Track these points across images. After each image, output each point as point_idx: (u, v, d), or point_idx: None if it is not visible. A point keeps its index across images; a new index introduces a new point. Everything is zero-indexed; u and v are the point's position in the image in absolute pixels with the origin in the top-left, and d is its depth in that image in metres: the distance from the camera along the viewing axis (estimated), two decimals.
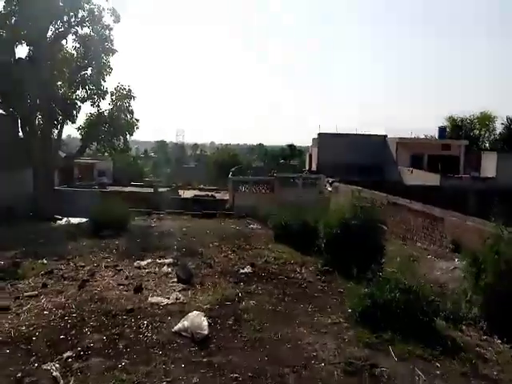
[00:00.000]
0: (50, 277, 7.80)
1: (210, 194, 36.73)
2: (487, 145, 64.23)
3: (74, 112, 23.09)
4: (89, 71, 25.46)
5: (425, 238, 14.64)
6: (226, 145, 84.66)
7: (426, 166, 39.55)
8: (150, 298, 6.51)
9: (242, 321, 5.84)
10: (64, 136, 31.73)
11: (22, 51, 51.52)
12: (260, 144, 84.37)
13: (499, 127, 62.45)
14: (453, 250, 12.95)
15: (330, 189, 32.82)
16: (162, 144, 61.64)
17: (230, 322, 5.76)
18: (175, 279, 7.58)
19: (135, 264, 8.49)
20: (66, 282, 7.47)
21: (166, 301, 6.40)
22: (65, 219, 23.30)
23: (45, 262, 8.78)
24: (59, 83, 25.03)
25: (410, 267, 10.25)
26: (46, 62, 23.06)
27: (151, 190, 29.21)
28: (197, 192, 37.62)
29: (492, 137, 65.46)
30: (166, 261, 8.68)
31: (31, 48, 22.18)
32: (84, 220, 23.84)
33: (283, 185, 33.85)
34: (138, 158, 55.57)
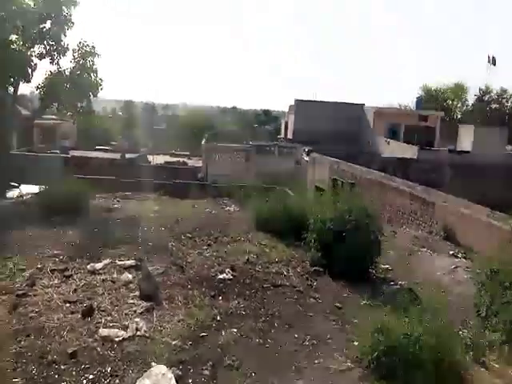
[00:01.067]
0: None
1: (181, 160, 34.80)
2: (459, 115, 64.04)
3: (30, 70, 20.45)
4: (47, 24, 22.64)
5: (412, 222, 13.50)
6: (199, 107, 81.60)
7: (402, 136, 38.64)
8: (101, 330, 4.96)
9: (223, 368, 4.40)
10: (28, 92, 28.73)
11: None
12: (234, 107, 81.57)
13: (471, 98, 62.05)
14: (444, 237, 11.86)
15: (306, 159, 31.50)
16: (129, 104, 58.06)
17: (207, 373, 4.31)
18: (137, 293, 6.03)
19: (89, 267, 6.85)
20: None
21: (122, 334, 4.87)
22: (21, 188, 21.15)
23: None
24: (13, 37, 22.18)
25: (408, 268, 9.10)
26: None
27: (118, 156, 27.09)
28: (168, 158, 35.59)
29: (464, 108, 65.22)
30: (127, 262, 7.07)
31: None
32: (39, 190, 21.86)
33: (259, 153, 32.27)
34: (106, 119, 52.32)
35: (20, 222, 9.50)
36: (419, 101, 41.16)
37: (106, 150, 31.48)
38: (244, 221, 10.89)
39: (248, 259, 7.82)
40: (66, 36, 23.95)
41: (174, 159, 35.07)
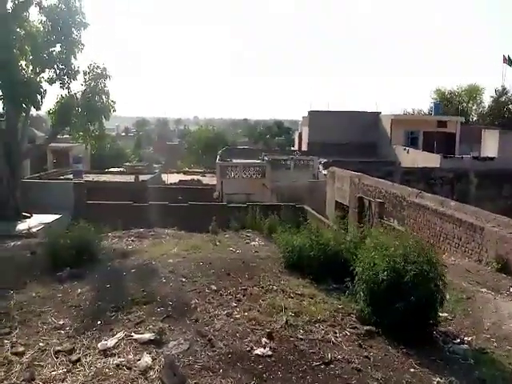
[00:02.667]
0: None
1: (196, 178, 33.72)
2: (475, 118, 62.23)
3: (40, 97, 19.57)
4: (57, 48, 21.81)
5: (457, 250, 12.05)
6: (210, 120, 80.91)
7: (421, 144, 37.15)
8: None
9: None
10: (42, 113, 27.98)
11: None
12: (245, 119, 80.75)
13: (486, 100, 60.17)
14: (498, 269, 10.38)
15: (324, 172, 30.16)
16: (142, 121, 57.29)
17: None
18: None
19: (100, 346, 5.61)
20: None
21: None
22: (31, 219, 20.23)
23: None
24: (23, 63, 21.39)
25: (471, 317, 7.70)
26: (7, 38, 19.44)
27: (132, 179, 26.06)
28: (182, 176, 34.52)
29: (480, 110, 63.32)
30: (145, 336, 5.81)
31: None
32: (53, 218, 20.87)
33: (275, 168, 31.06)
34: (118, 138, 51.63)
35: (24, 274, 8.35)
36: (437, 106, 39.55)
37: (119, 173, 30.52)
38: (272, 260, 9.61)
39: (287, 321, 6.51)
40: (76, 59, 23.09)
41: (188, 177, 34.03)
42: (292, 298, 7.56)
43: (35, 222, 20.20)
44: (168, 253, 9.28)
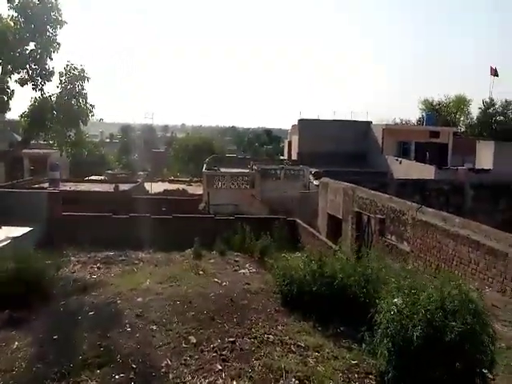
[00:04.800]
0: None
1: (181, 188, 31.82)
2: (463, 129, 61.80)
3: (6, 98, 17.57)
4: (30, 46, 19.85)
5: (473, 277, 10.46)
6: (197, 127, 79.08)
7: (413, 154, 35.96)
8: None
9: None
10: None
11: None
12: (233, 126, 79.14)
13: (474, 112, 59.85)
14: None
15: (315, 183, 28.66)
16: (127, 127, 55.09)
17: None
18: None
19: None
20: None
21: None
22: (0, 231, 18.22)
23: None
24: None
25: None
26: None
27: (111, 189, 24.09)
28: (167, 185, 32.58)
29: (468, 121, 63.02)
30: None
31: None
32: (23, 232, 18.82)
33: (264, 178, 29.42)
34: (102, 144, 49.43)
35: None
36: (430, 116, 38.45)
37: (99, 182, 28.49)
38: (266, 294, 7.88)
39: None
40: (51, 59, 21.10)
41: (174, 186, 32.12)
42: (293, 352, 5.83)
43: (2, 235, 18.12)
44: (138, 287, 7.48)
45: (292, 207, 25.52)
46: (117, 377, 4.94)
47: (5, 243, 17.35)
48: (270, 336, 6.12)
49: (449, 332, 4.87)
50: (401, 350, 5.09)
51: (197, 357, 5.41)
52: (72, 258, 9.60)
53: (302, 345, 6.04)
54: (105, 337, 5.73)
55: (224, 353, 5.55)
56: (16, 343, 5.69)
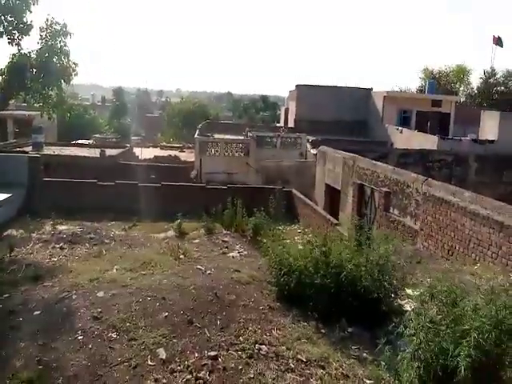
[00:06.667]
0: None
1: (173, 154, 30.07)
2: (463, 99, 59.96)
3: None
4: None
5: (494, 261, 9.11)
6: (193, 92, 76.29)
7: (414, 123, 34.22)
8: None
9: None
10: None
11: None
12: (229, 92, 76.38)
13: (474, 81, 57.89)
14: None
15: (313, 152, 27.04)
16: (120, 90, 52.41)
17: None
18: None
19: None
20: None
21: None
22: None
23: None
24: None
25: None
26: None
27: (97, 153, 22.38)
28: (158, 151, 30.81)
29: (468, 91, 61.14)
30: None
31: None
32: (2, 197, 17.27)
33: (260, 146, 27.74)
34: (94, 107, 47.02)
35: None
36: (432, 84, 36.46)
37: (86, 146, 26.64)
38: (259, 285, 6.46)
39: None
40: (30, 11, 18.90)
41: (165, 152, 30.34)
42: (292, 370, 4.46)
43: None
44: (102, 276, 6.01)
45: (288, 177, 24.12)
46: None
47: None
48: (263, 347, 4.73)
49: (508, 361, 3.49)
50: (439, 382, 3.72)
51: (164, 381, 4.00)
52: (33, 235, 8.10)
53: (303, 358, 4.67)
54: (48, 348, 4.31)
55: (201, 374, 4.16)
56: None
